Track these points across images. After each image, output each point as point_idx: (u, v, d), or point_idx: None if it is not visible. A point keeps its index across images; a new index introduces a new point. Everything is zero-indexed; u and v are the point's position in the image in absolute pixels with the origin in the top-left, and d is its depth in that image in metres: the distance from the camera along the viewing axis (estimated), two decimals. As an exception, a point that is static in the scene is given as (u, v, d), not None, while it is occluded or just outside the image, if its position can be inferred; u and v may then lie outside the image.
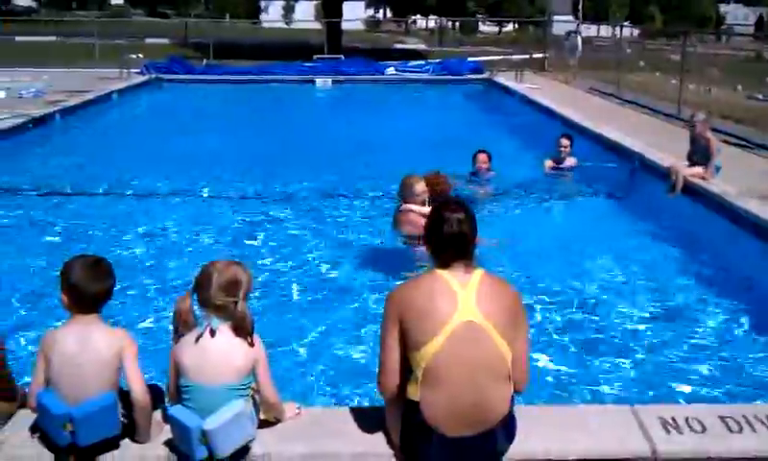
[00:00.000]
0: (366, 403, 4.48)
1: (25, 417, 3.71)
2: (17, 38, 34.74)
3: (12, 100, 16.14)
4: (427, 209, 6.85)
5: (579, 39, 22.89)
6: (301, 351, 5.31)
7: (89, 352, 3.41)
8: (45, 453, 3.47)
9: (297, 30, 45.44)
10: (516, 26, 57.77)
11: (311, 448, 3.52)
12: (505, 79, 21.82)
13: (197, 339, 3.41)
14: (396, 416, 3.44)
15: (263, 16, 66.52)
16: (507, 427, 3.39)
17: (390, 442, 3.53)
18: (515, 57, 25.30)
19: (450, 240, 3.36)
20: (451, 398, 3.25)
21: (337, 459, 3.49)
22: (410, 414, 3.33)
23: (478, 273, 3.39)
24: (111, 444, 3.48)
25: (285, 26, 60.00)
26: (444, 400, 3.25)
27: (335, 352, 5.31)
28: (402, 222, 7.25)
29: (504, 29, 68.01)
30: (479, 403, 3.26)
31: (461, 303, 3.27)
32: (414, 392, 3.30)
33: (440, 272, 3.37)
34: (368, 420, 3.72)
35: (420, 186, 7.20)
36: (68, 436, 3.35)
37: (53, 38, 35.60)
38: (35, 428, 3.61)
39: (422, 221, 6.57)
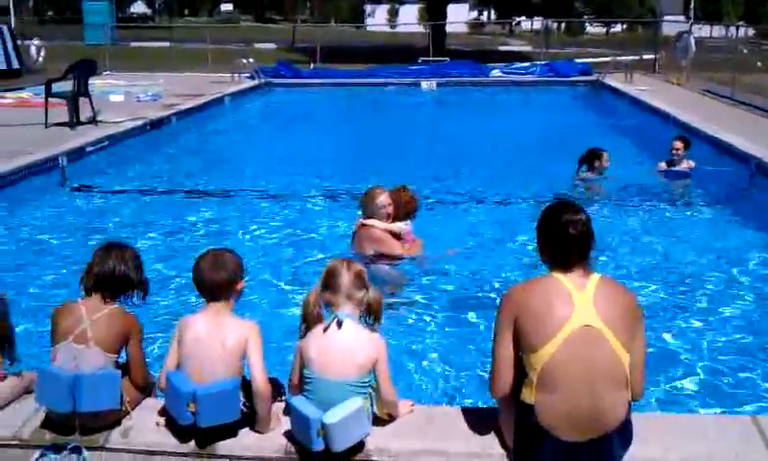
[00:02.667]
0: (479, 404, 4.49)
1: (152, 405, 3.91)
2: (133, 44, 36.23)
3: (131, 103, 16.88)
4: (398, 226, 6.58)
5: (692, 40, 22.15)
6: (416, 348, 5.36)
7: (218, 339, 3.58)
8: (170, 439, 3.65)
9: (401, 33, 45.67)
10: (625, 27, 56.37)
11: (424, 445, 3.56)
12: (614, 81, 21.37)
13: (324, 330, 3.55)
14: (510, 418, 3.44)
15: (368, 20, 67.22)
16: (623, 433, 3.34)
17: (503, 443, 3.53)
18: (623, 58, 24.66)
19: (575, 242, 3.34)
20: (567, 402, 3.22)
21: (450, 457, 3.51)
22: (524, 417, 3.33)
23: (595, 277, 3.36)
24: (230, 430, 3.62)
25: (389, 29, 60.41)
26: (560, 405, 3.23)
27: (449, 352, 5.34)
28: (363, 238, 6.54)
29: (612, 29, 66.44)
30: (596, 409, 3.23)
31: (578, 306, 3.25)
32: (528, 395, 3.29)
33: (556, 275, 3.35)
34: (481, 420, 3.73)
35: (385, 199, 6.53)
36: (190, 416, 3.49)
37: (167, 44, 36.96)
38: (161, 414, 3.80)
39: (387, 238, 6.53)
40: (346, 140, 14.51)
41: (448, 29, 36.82)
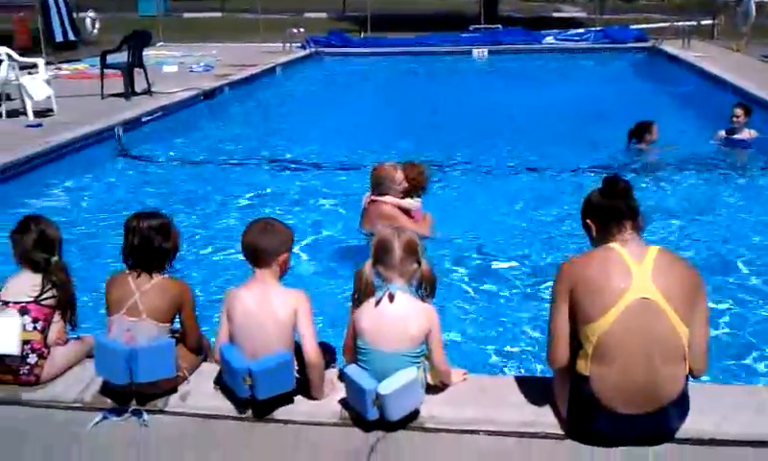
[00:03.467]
0: (532, 373, 4.48)
1: (209, 371, 3.99)
2: (186, 15, 36.50)
3: (184, 74, 17.05)
4: (408, 202, 6.34)
5: (752, 4, 21.45)
6: (467, 318, 5.36)
7: (267, 311, 3.61)
8: (227, 404, 3.72)
9: (451, 1, 45.15)
10: (682, -9, 54.81)
11: (478, 414, 3.58)
12: (671, 47, 20.86)
13: (376, 303, 3.55)
14: (565, 388, 3.42)
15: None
16: (680, 406, 3.31)
17: (557, 413, 3.52)
18: (681, 24, 24.01)
19: (628, 211, 3.31)
20: (623, 374, 3.20)
21: (503, 426, 3.52)
22: (579, 387, 3.31)
23: (654, 249, 3.32)
24: (287, 399, 3.68)
25: (440, -3, 59.84)
26: (615, 377, 3.21)
27: (501, 320, 5.33)
28: (374, 215, 6.24)
29: (669, -6, 64.73)
30: (651, 382, 3.19)
31: (636, 278, 3.20)
32: (583, 366, 3.27)
33: (614, 246, 3.30)
34: (534, 389, 3.74)
35: (400, 175, 6.32)
36: (247, 390, 3.55)
37: (218, 14, 37.18)
38: (217, 381, 3.87)
39: (398, 214, 6.26)
40: (395, 110, 14.45)
41: (500, -5, 36.25)
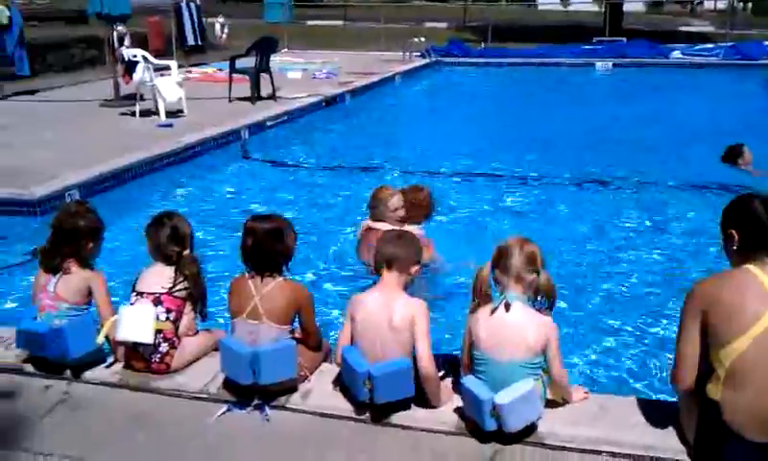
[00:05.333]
0: (653, 396, 4.35)
1: (330, 371, 4.07)
2: (309, 23, 37.30)
3: (307, 80, 17.45)
4: (411, 229, 5.80)
5: None
6: (590, 336, 5.25)
7: (386, 317, 3.67)
8: (347, 405, 3.78)
9: (571, 12, 44.43)
10: (822, 5, 52.11)
11: (598, 434, 3.50)
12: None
13: (492, 312, 3.53)
14: (692, 413, 3.30)
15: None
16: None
17: (682, 438, 3.41)
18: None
19: None
20: (756, 401, 3.06)
21: (627, 448, 3.43)
22: (708, 413, 3.19)
23: (791, 273, 3.16)
24: (404, 405, 3.70)
25: (561, 8, 58.95)
26: (748, 403, 3.08)
27: (624, 340, 5.20)
28: (367, 244, 5.69)
29: (807, 9, 61.65)
30: (788, 410, 3.05)
31: (774, 302, 3.07)
32: (714, 391, 3.15)
33: (752, 268, 3.17)
34: (657, 412, 3.63)
35: (397, 201, 5.92)
36: (367, 393, 3.60)
37: (340, 23, 37.80)
38: (337, 382, 3.94)
39: None
40: (514, 121, 14.32)
41: (625, 7, 35.40)
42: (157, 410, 3.88)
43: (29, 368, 4.22)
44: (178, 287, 4.12)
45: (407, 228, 5.69)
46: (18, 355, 4.26)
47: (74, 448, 3.54)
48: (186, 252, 4.23)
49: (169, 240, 4.19)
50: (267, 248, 3.90)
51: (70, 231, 4.19)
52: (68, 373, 4.14)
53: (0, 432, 3.67)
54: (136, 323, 4.00)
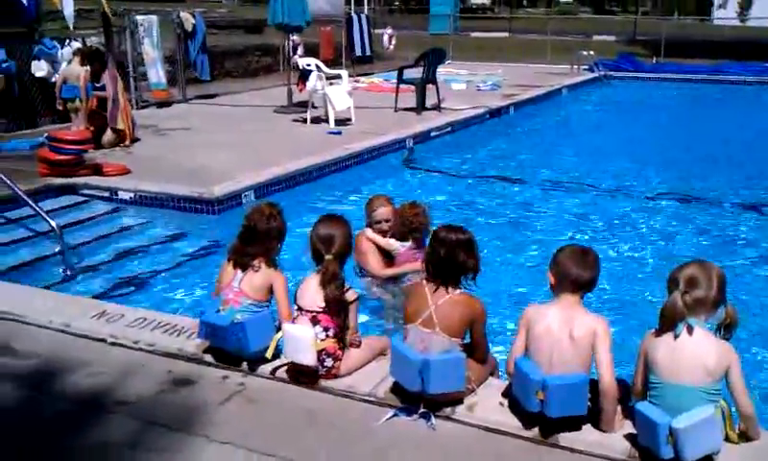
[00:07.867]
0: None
1: (497, 385, 4.04)
2: (473, 34, 37.29)
3: (471, 92, 17.45)
4: (388, 243, 5.90)
5: None
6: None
7: (566, 330, 3.60)
8: (514, 421, 3.73)
9: (751, 28, 41.97)
10: None
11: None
12: None
13: (675, 337, 3.40)
14: None
15: (716, 13, 62.69)
16: None
17: None
18: None
19: None
20: None
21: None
22: None
23: None
24: (574, 425, 3.61)
25: (739, 23, 55.95)
26: None
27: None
28: (355, 250, 5.54)
29: None
30: None
31: None
32: None
33: None
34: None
35: (383, 213, 5.95)
36: (538, 404, 3.53)
37: (505, 35, 37.53)
38: (503, 397, 3.90)
39: (369, 254, 5.80)
40: (686, 140, 13.74)
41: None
42: (328, 409, 3.97)
43: (208, 358, 4.44)
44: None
45: (391, 242, 5.95)
46: (198, 345, 4.50)
47: (249, 440, 3.66)
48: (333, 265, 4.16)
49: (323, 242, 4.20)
50: (457, 259, 3.91)
51: (264, 232, 4.36)
52: (245, 365, 4.32)
53: (180, 418, 3.87)
54: (299, 345, 4.07)
